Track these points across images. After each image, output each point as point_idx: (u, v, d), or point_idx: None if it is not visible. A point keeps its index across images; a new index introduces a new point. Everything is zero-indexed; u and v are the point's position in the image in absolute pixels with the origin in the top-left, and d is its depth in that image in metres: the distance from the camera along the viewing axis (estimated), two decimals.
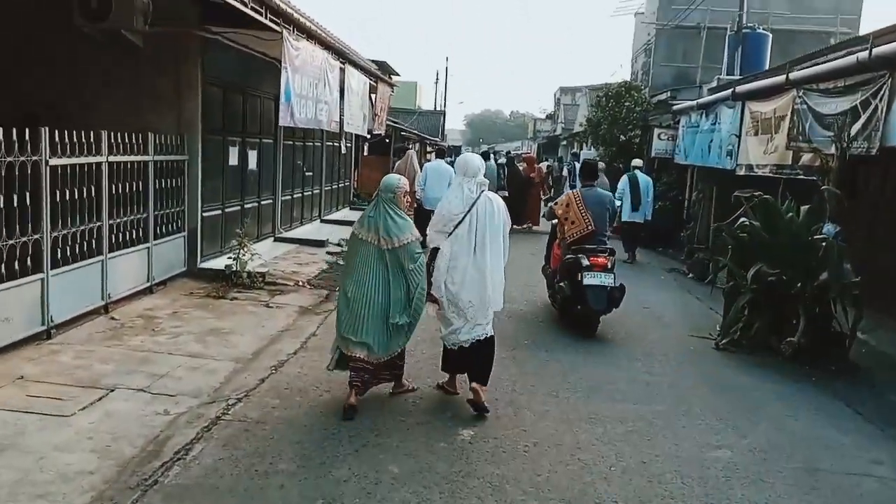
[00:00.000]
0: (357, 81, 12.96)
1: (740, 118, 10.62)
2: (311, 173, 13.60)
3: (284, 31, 8.30)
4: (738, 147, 10.60)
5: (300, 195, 13.05)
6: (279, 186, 11.66)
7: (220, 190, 9.26)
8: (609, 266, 6.97)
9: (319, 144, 14.33)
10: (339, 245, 12.13)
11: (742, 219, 6.98)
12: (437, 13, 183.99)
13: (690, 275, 11.11)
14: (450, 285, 4.75)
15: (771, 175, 9.24)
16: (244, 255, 8.38)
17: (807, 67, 8.35)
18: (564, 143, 40.05)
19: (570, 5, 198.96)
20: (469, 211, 4.73)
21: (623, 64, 27.68)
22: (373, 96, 16.28)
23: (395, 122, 22.95)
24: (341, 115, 12.00)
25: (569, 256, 7.11)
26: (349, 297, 4.70)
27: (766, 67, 15.54)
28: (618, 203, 11.12)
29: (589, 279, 6.81)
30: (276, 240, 11.60)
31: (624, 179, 12.99)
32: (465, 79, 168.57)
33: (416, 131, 27.13)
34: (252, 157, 10.45)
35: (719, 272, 7.19)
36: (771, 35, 15.33)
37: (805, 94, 8.15)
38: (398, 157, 22.78)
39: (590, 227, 7.09)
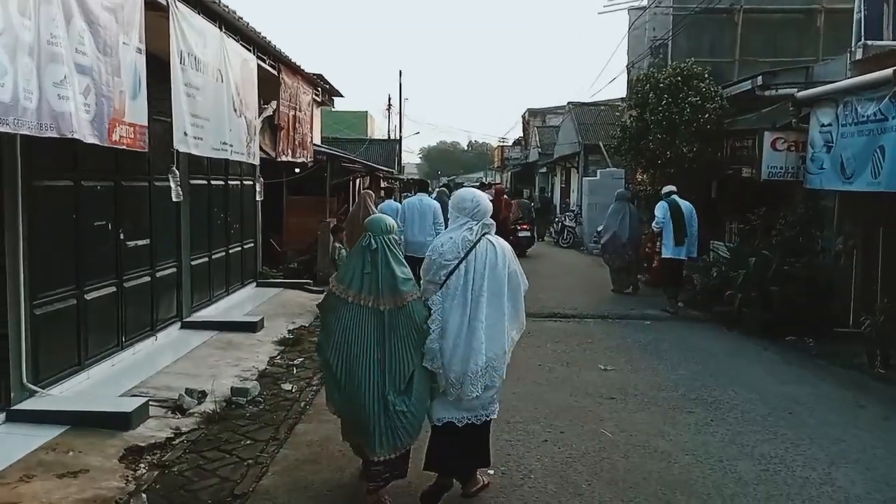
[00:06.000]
0: (218, 50, 6.44)
1: None
2: (143, 242, 6.87)
3: None
4: None
5: (112, 289, 6.28)
6: (24, 291, 4.93)
7: None
8: (527, 227, 18.08)
9: (163, 184, 7.61)
10: (170, 411, 5.43)
11: None
12: (386, 39, 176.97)
13: None
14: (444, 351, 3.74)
15: None
16: None
17: None
18: (544, 170, 34.04)
19: (523, 29, 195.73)
20: (465, 258, 3.69)
21: (630, 67, 21.42)
22: (276, 101, 9.68)
23: (330, 150, 16.22)
24: (153, 113, 5.47)
25: (513, 227, 16.85)
26: (342, 387, 3.68)
27: None
28: (656, 229, 10.11)
29: (521, 234, 17.25)
30: (8, 418, 4.84)
31: (662, 206, 10.03)
32: (419, 109, 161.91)
33: (363, 161, 20.41)
34: None
35: None
36: None
37: None
38: (336, 195, 16.19)
39: (518, 215, 17.89)
